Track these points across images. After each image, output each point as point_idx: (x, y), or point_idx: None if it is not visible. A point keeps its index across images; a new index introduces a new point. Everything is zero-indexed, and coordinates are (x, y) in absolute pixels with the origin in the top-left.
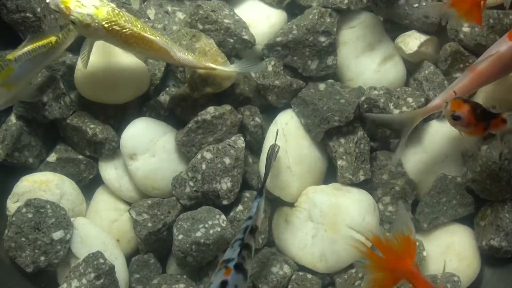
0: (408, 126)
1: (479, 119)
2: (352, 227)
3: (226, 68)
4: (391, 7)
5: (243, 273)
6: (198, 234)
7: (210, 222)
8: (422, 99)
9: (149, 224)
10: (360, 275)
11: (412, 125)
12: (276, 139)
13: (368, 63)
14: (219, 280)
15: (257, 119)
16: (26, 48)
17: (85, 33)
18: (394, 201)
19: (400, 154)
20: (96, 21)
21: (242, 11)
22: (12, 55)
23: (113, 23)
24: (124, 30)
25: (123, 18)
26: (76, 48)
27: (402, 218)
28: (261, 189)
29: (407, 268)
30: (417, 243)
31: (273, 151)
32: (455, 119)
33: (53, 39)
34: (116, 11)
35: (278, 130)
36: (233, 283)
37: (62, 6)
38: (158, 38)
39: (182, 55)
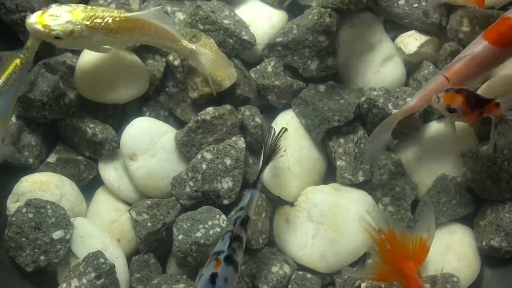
0: (388, 129)
1: (473, 107)
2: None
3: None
4: (391, 7)
5: (233, 265)
6: (198, 234)
7: (210, 222)
8: None
9: (149, 224)
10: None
11: (391, 127)
12: (279, 134)
13: (368, 63)
14: (209, 273)
15: (257, 119)
16: (1, 80)
17: (73, 43)
18: (394, 202)
19: (374, 157)
20: (77, 23)
21: (243, 12)
22: None
23: (92, 17)
24: (105, 20)
25: (99, 10)
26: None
27: (426, 222)
28: (256, 181)
29: (408, 273)
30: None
31: (275, 138)
32: (451, 112)
33: (17, 61)
34: (89, 7)
35: (283, 128)
36: (223, 275)
37: (40, 26)
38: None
39: (166, 27)
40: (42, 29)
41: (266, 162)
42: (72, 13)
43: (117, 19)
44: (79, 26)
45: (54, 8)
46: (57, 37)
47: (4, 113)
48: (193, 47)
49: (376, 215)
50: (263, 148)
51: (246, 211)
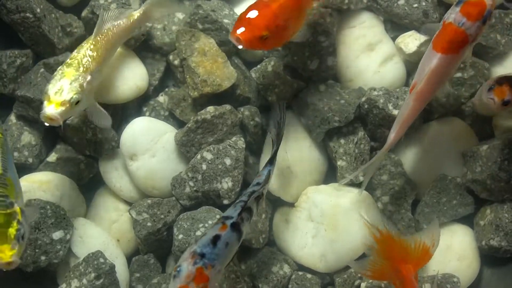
0: (374, 167)
1: None
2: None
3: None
4: (391, 7)
5: (237, 233)
6: (198, 234)
7: (210, 222)
8: None
9: (149, 224)
10: (359, 275)
11: (377, 165)
12: (282, 112)
13: (368, 63)
14: (213, 234)
15: (257, 119)
16: (19, 205)
17: (90, 92)
18: (394, 201)
19: (363, 188)
20: (77, 77)
21: (242, 11)
22: (13, 228)
23: (80, 63)
24: (88, 54)
25: (74, 55)
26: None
27: (433, 231)
28: (272, 157)
29: (405, 274)
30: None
31: (282, 110)
32: (506, 105)
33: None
34: (68, 61)
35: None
36: (225, 239)
37: (60, 108)
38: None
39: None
40: (63, 107)
41: (280, 136)
42: (65, 75)
43: (94, 45)
44: (81, 78)
45: (50, 89)
46: (77, 102)
47: (18, 186)
48: (141, 11)
49: (373, 217)
50: (274, 123)
51: (262, 186)
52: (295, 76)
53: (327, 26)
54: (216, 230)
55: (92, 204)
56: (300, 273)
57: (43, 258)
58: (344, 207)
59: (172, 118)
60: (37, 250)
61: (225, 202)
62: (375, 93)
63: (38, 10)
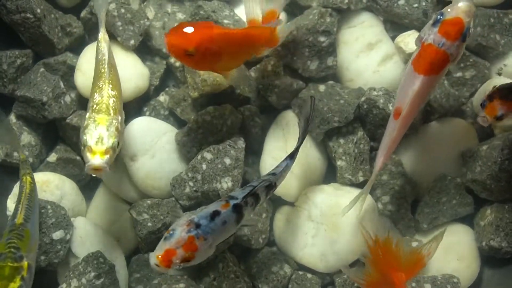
0: (364, 195)
1: (510, 95)
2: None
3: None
4: (391, 7)
5: (238, 215)
6: None
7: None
8: None
9: (149, 224)
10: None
11: (367, 193)
12: (312, 108)
13: (368, 63)
14: (214, 208)
15: (257, 119)
16: (24, 203)
17: (121, 125)
18: (394, 201)
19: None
20: (110, 120)
21: (242, 12)
22: (19, 218)
23: (108, 106)
24: (111, 94)
25: (97, 97)
26: (76, 47)
27: (435, 241)
28: (294, 152)
29: (397, 281)
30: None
31: (312, 107)
32: (501, 119)
33: (28, 178)
34: (95, 107)
35: (313, 97)
36: (224, 217)
37: (105, 157)
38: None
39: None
40: (108, 155)
41: (305, 132)
42: (100, 123)
43: (112, 83)
44: (114, 121)
45: (89, 140)
46: (118, 144)
47: (34, 238)
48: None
49: (376, 220)
50: (304, 119)
51: (276, 178)
52: (295, 76)
53: (327, 26)
54: (218, 206)
55: (92, 204)
56: (301, 273)
57: (43, 258)
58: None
59: (173, 117)
60: (36, 250)
61: None
62: (375, 93)
63: (38, 10)
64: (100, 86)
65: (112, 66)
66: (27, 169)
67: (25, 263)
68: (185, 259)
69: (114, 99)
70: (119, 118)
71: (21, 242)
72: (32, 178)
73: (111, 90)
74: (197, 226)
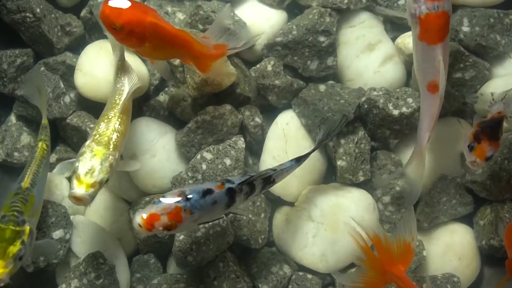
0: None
1: (495, 134)
2: (354, 220)
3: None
4: (391, 7)
5: (229, 199)
6: (199, 234)
7: (210, 222)
8: None
9: None
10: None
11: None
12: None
13: (368, 63)
14: (208, 187)
15: (257, 119)
16: (33, 168)
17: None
18: (394, 201)
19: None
20: (107, 156)
21: (242, 12)
22: (26, 182)
23: (110, 141)
24: (117, 130)
25: (101, 132)
26: (76, 47)
27: (407, 224)
28: (302, 157)
29: (398, 274)
30: (417, 244)
31: (341, 123)
32: (490, 159)
33: (43, 145)
34: (95, 137)
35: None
36: (215, 197)
37: (90, 189)
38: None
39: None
40: (93, 189)
41: (320, 143)
42: (96, 155)
43: (121, 118)
44: (111, 157)
45: (80, 168)
46: (107, 181)
47: (39, 204)
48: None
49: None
50: (325, 130)
51: (276, 174)
52: (295, 75)
53: (327, 26)
54: (212, 185)
55: (92, 203)
56: (301, 273)
57: (42, 258)
58: (344, 207)
59: (172, 118)
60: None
61: None
62: (375, 93)
63: (38, 10)
64: (110, 117)
65: (128, 104)
66: (45, 135)
67: (27, 227)
68: (167, 227)
69: (118, 134)
70: (117, 154)
71: (24, 207)
72: (47, 146)
73: (119, 124)
74: (187, 199)
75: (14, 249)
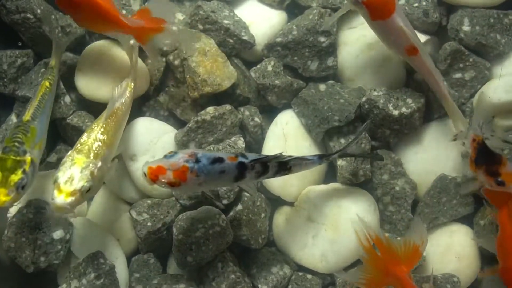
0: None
1: (495, 159)
2: (358, 216)
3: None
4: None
5: (239, 173)
6: (198, 234)
7: (209, 222)
8: (422, 100)
9: (149, 224)
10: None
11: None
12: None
13: (368, 64)
14: (220, 155)
15: (256, 119)
16: (34, 103)
17: (100, 180)
18: (394, 201)
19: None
20: (88, 164)
21: (242, 12)
22: (26, 115)
23: (91, 150)
24: (99, 138)
25: (84, 139)
26: (76, 47)
27: (419, 229)
28: (324, 156)
29: (400, 274)
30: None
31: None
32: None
33: (46, 83)
34: (78, 146)
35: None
36: (224, 167)
37: (70, 197)
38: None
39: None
40: (73, 197)
41: (344, 148)
42: (76, 163)
43: (105, 128)
44: (91, 165)
45: (60, 177)
46: (88, 189)
47: (40, 136)
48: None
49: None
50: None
51: (294, 162)
52: (295, 76)
53: (327, 26)
54: (225, 155)
55: (92, 204)
56: (301, 273)
57: (43, 258)
58: (345, 207)
59: (172, 118)
60: (37, 251)
61: (224, 202)
62: (375, 93)
63: (39, 11)
64: (92, 128)
65: (119, 114)
66: (50, 74)
67: (28, 158)
68: (170, 183)
69: (100, 144)
70: (99, 164)
71: (25, 138)
72: (51, 84)
73: (101, 134)
74: (197, 161)
75: (15, 177)
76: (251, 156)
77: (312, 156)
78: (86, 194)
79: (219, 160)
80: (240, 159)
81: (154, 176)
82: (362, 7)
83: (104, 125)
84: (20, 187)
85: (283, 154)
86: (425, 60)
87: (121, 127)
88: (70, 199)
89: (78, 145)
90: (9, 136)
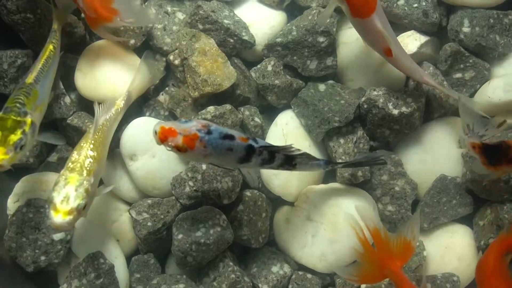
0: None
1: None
2: (357, 209)
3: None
4: (391, 7)
5: (245, 155)
6: (198, 233)
7: (210, 222)
8: (422, 99)
9: (149, 224)
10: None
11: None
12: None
13: (368, 64)
14: (232, 133)
15: (257, 119)
16: (38, 66)
17: (93, 195)
18: (394, 201)
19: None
20: (82, 182)
21: (242, 12)
22: (29, 78)
23: (83, 167)
24: (89, 155)
25: (75, 156)
26: (76, 48)
27: (412, 223)
28: (332, 163)
29: (394, 269)
30: (418, 244)
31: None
32: None
33: (50, 46)
34: (69, 165)
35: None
36: (232, 145)
37: (68, 216)
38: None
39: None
40: (71, 216)
41: (355, 163)
42: (69, 182)
43: (94, 144)
44: (85, 182)
45: (56, 197)
46: (84, 207)
47: (42, 99)
48: (124, 97)
49: (362, 213)
50: (368, 158)
51: (299, 159)
52: (294, 76)
53: (326, 26)
54: (238, 134)
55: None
56: (300, 273)
57: (43, 258)
58: (344, 207)
59: (172, 117)
60: (37, 251)
61: (225, 202)
62: (375, 93)
63: (39, 11)
64: (82, 145)
65: (104, 130)
66: (54, 38)
67: (28, 119)
68: (178, 147)
69: (91, 160)
70: (92, 179)
71: (27, 99)
72: (54, 48)
73: (91, 151)
74: (209, 133)
75: (14, 137)
76: (261, 142)
77: (320, 159)
78: (82, 211)
79: (230, 137)
80: (250, 141)
81: (164, 136)
82: (344, 3)
83: (93, 142)
84: (19, 147)
85: (293, 146)
86: (402, 65)
87: (107, 143)
88: (68, 217)
89: (70, 163)
90: (11, 97)
